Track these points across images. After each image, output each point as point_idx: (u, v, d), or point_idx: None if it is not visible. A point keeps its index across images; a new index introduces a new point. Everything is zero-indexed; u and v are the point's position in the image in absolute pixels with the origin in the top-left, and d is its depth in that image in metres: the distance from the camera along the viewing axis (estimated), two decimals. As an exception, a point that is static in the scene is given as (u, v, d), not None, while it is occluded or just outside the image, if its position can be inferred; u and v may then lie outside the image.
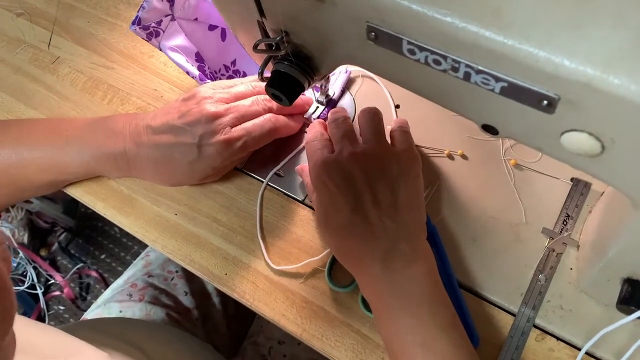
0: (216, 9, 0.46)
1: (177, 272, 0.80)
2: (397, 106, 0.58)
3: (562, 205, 0.51)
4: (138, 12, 0.54)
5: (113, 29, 0.69)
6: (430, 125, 0.57)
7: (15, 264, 1.34)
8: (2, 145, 0.53)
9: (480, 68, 0.30)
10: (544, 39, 0.27)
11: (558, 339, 0.47)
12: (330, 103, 0.59)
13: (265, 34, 0.42)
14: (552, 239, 0.50)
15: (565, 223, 0.50)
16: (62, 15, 0.71)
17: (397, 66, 0.35)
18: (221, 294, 0.75)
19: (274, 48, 0.41)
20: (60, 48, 0.69)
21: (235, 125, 0.52)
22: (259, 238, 0.54)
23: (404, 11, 0.30)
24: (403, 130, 0.50)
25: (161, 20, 0.56)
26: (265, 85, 0.44)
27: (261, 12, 0.39)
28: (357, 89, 0.61)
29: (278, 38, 0.40)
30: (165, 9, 0.56)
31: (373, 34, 0.33)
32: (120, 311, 0.74)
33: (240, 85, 0.55)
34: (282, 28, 0.39)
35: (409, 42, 0.32)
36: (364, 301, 0.49)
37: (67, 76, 0.66)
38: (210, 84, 0.55)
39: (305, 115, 0.58)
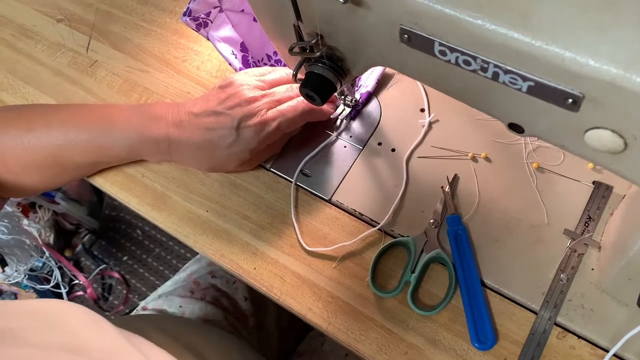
0: (253, 13, 0.49)
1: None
2: (422, 110, 0.60)
3: (583, 208, 0.52)
4: (189, 3, 0.58)
5: (148, 34, 0.72)
6: (454, 128, 0.59)
7: (41, 264, 1.37)
8: (51, 127, 0.56)
9: (509, 68, 0.32)
10: (569, 40, 0.29)
11: (579, 337, 0.48)
12: (357, 105, 0.61)
13: (300, 37, 0.44)
14: (574, 239, 0.51)
15: (586, 225, 0.51)
16: (100, 21, 0.75)
17: (428, 67, 0.37)
18: (278, 305, 0.72)
19: (308, 51, 0.44)
20: (98, 52, 0.72)
21: (271, 108, 0.55)
22: (294, 220, 0.56)
23: (436, 14, 0.32)
24: None
25: (210, 12, 0.59)
26: (300, 86, 0.47)
27: (298, 16, 0.41)
28: (384, 91, 0.63)
29: (313, 41, 0.42)
30: (214, 1, 0.60)
31: (406, 36, 0.35)
32: (181, 306, 0.75)
33: (273, 72, 0.58)
34: (317, 31, 0.41)
35: (440, 44, 0.34)
36: (412, 299, 0.50)
37: (105, 79, 0.70)
38: (244, 71, 0.58)
39: (332, 116, 0.61)
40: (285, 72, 0.59)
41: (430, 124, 0.59)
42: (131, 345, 0.39)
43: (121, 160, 0.60)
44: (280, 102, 0.55)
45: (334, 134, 0.60)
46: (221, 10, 0.60)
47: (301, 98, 0.56)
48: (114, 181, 0.61)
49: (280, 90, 0.56)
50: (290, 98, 0.56)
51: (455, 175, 0.56)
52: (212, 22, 0.60)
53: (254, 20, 0.61)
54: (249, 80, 0.56)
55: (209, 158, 0.56)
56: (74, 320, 0.37)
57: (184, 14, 0.58)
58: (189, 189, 0.60)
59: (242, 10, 0.60)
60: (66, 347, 0.34)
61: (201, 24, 0.60)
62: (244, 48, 0.63)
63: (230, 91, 0.54)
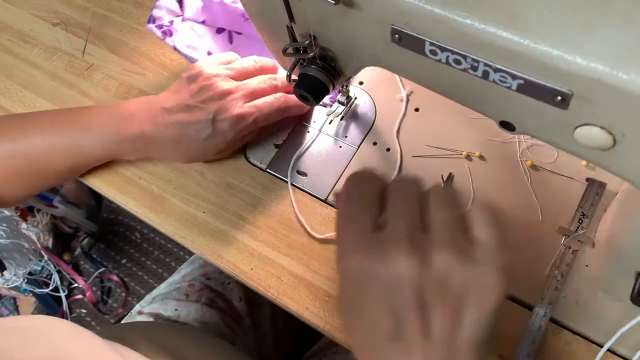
0: (247, 14, 0.49)
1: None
2: (416, 109, 0.61)
3: (577, 205, 0.53)
4: (152, 10, 0.56)
5: (144, 37, 0.73)
6: (449, 127, 0.59)
7: (40, 267, 1.38)
8: (27, 135, 0.56)
9: (498, 66, 0.32)
10: (557, 39, 0.30)
11: (574, 333, 0.48)
12: (351, 103, 0.61)
13: (293, 38, 0.45)
14: (568, 236, 0.51)
15: (580, 222, 0.52)
16: (96, 24, 0.75)
17: (419, 67, 0.37)
18: (273, 305, 0.69)
19: (301, 51, 0.44)
20: (94, 56, 0.72)
21: (246, 101, 0.55)
22: (290, 220, 0.56)
23: (426, 14, 0.33)
24: (494, 235, 0.34)
25: (172, 21, 0.58)
26: (294, 87, 0.47)
27: (290, 17, 0.42)
28: (379, 91, 0.63)
29: (307, 42, 0.43)
30: (175, 9, 0.58)
31: (397, 36, 0.35)
32: (176, 309, 0.75)
33: (241, 60, 0.58)
34: (310, 32, 0.42)
35: (431, 43, 0.34)
36: None
37: (101, 82, 0.70)
38: (209, 58, 0.57)
39: (327, 114, 0.61)
40: (253, 59, 0.59)
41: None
42: (118, 355, 0.40)
43: (100, 161, 0.60)
44: (254, 93, 0.55)
45: (331, 135, 0.60)
46: (184, 19, 0.59)
47: (279, 94, 0.56)
48: (111, 184, 0.62)
49: (253, 82, 0.56)
50: (264, 90, 0.56)
51: (450, 174, 0.56)
52: (176, 31, 0.59)
53: (217, 32, 0.60)
54: (218, 69, 0.55)
55: (184, 151, 0.56)
56: (57, 334, 0.38)
57: (149, 21, 0.57)
58: (185, 190, 0.60)
59: (204, 22, 0.59)
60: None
61: (166, 32, 0.59)
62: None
63: (201, 82, 0.54)
